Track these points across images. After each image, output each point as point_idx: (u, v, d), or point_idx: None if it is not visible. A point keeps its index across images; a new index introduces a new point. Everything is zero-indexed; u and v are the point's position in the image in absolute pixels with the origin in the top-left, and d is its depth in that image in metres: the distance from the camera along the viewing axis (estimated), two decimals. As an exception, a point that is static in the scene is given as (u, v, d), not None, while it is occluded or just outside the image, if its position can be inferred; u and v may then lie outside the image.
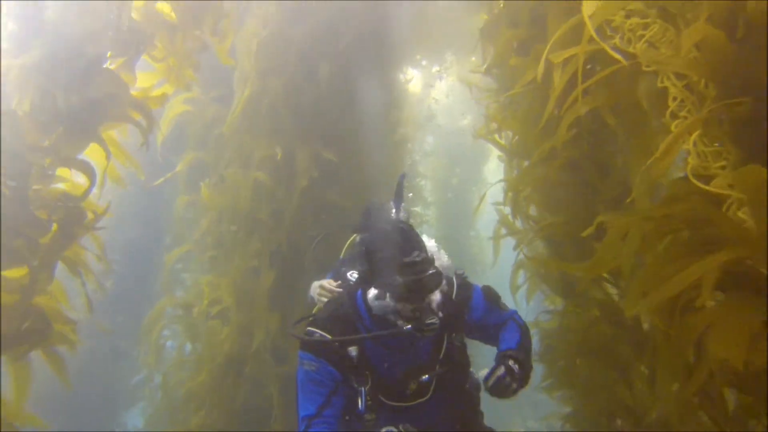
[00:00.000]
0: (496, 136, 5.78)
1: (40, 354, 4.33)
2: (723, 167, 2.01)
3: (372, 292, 2.49)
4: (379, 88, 7.62)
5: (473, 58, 9.36)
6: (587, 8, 2.75)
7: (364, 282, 2.57)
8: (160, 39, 4.68)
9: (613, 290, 3.80)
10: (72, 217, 3.98)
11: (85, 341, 5.06)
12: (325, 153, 6.70)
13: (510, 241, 5.57)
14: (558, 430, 5.06)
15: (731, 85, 2.03)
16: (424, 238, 2.67)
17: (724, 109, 2.04)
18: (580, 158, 4.11)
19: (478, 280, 2.92)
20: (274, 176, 6.56)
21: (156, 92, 4.99)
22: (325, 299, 3.05)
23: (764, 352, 1.84)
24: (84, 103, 3.77)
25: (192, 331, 7.04)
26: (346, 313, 2.64)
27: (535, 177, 4.60)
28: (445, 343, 2.70)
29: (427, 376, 2.63)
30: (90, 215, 4.29)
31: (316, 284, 3.21)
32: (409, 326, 2.39)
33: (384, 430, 2.53)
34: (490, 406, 2.99)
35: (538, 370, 5.14)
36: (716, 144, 2.07)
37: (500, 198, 5.64)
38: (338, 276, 3.17)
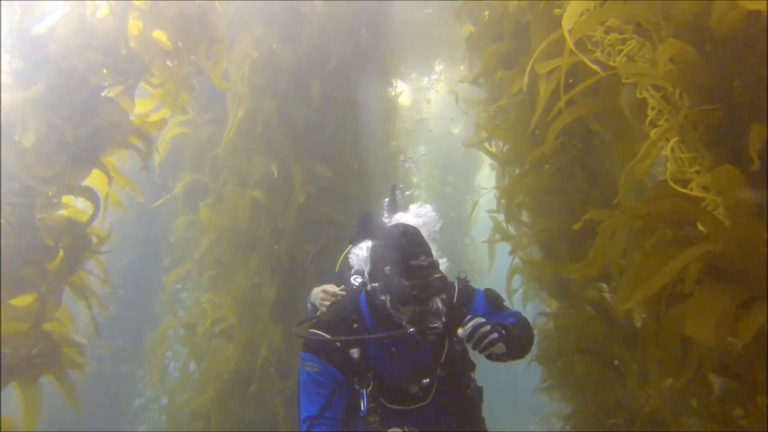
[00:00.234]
0: (487, 144, 5.93)
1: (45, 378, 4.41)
2: (698, 172, 2.17)
3: (376, 295, 2.51)
4: (370, 102, 7.80)
5: (462, 68, 9.53)
6: (567, 22, 2.90)
7: (370, 284, 2.58)
8: (157, 66, 4.81)
9: (605, 290, 3.93)
10: (78, 242, 4.08)
11: (88, 365, 5.13)
12: (321, 169, 6.83)
13: (506, 248, 5.70)
14: (558, 430, 5.14)
15: (702, 95, 2.19)
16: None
17: (698, 116, 2.20)
18: (570, 164, 4.27)
19: (476, 286, 2.91)
20: (272, 194, 6.68)
21: (154, 117, 5.12)
22: (328, 303, 3.00)
23: (741, 333, 1.98)
24: (88, 132, 3.88)
25: (196, 351, 7.10)
26: (348, 316, 2.65)
27: (527, 184, 4.74)
28: (446, 347, 2.71)
29: (428, 379, 2.65)
30: (95, 240, 4.39)
31: (317, 290, 3.17)
32: (413, 329, 2.40)
33: (390, 431, 2.54)
34: (491, 411, 3.03)
35: (537, 371, 5.27)
36: (692, 152, 2.22)
37: (494, 205, 5.77)
38: (341, 281, 3.15)
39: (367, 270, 2.62)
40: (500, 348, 2.37)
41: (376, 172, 7.53)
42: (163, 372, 7.96)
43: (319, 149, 7.05)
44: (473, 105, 6.62)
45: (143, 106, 5.11)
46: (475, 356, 2.87)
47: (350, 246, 3.46)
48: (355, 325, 2.61)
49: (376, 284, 2.53)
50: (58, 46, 3.72)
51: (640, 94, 2.46)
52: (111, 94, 4.43)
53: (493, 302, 2.80)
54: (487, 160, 8.60)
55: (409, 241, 2.47)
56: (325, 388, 2.52)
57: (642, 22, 2.54)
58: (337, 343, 2.54)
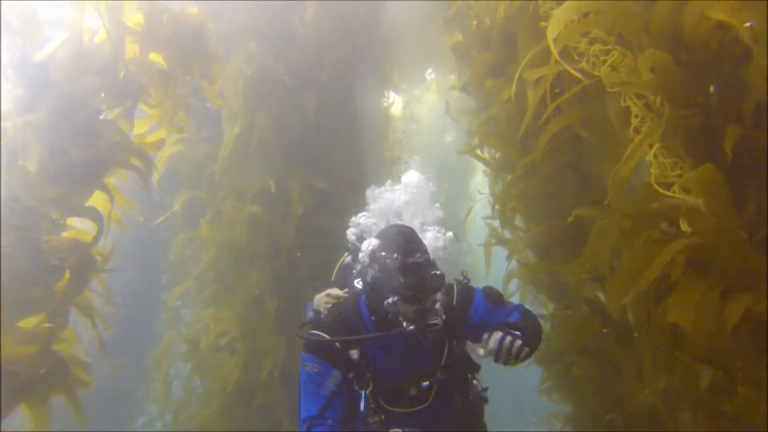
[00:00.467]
0: (479, 151, 6.04)
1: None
2: (679, 175, 2.30)
3: (376, 295, 2.52)
4: (364, 113, 7.90)
5: (452, 77, 9.66)
6: (552, 31, 3.02)
7: (369, 285, 2.59)
8: (154, 87, 4.91)
9: (599, 290, 4.03)
10: (84, 262, 4.16)
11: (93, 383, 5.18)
12: (317, 182, 6.93)
13: (502, 253, 5.78)
14: (559, 430, 5.20)
15: (681, 101, 2.31)
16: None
17: (678, 122, 2.32)
18: (561, 169, 4.38)
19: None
20: (270, 208, 6.77)
21: (152, 137, 5.22)
22: (330, 305, 3.02)
23: (718, 319, 2.11)
24: (91, 154, 3.97)
25: (201, 366, 7.14)
26: (349, 317, 2.67)
27: (519, 190, 4.85)
28: (446, 350, 2.72)
29: (427, 382, 2.65)
30: (99, 259, 4.48)
31: (320, 295, 3.17)
32: (412, 327, 2.40)
33: (392, 431, 2.57)
34: (492, 411, 3.00)
35: (537, 372, 5.35)
36: (674, 157, 2.35)
37: (489, 210, 5.87)
38: (345, 286, 3.17)
39: (366, 271, 2.63)
40: (526, 352, 2.40)
41: (372, 181, 7.61)
42: (167, 388, 7.98)
43: (315, 161, 7.15)
44: (464, 113, 6.75)
45: (140, 126, 5.21)
46: (478, 358, 2.91)
47: (346, 254, 3.52)
48: (356, 327, 2.63)
49: (375, 285, 2.54)
50: (58, 72, 3.82)
51: (624, 102, 2.59)
52: (110, 116, 4.54)
53: (492, 300, 2.79)
54: (480, 167, 8.71)
55: (405, 239, 2.50)
56: (325, 388, 2.55)
57: (623, 32, 2.67)
58: (337, 344, 2.56)
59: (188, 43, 5.11)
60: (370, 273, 2.56)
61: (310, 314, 3.22)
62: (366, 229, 2.95)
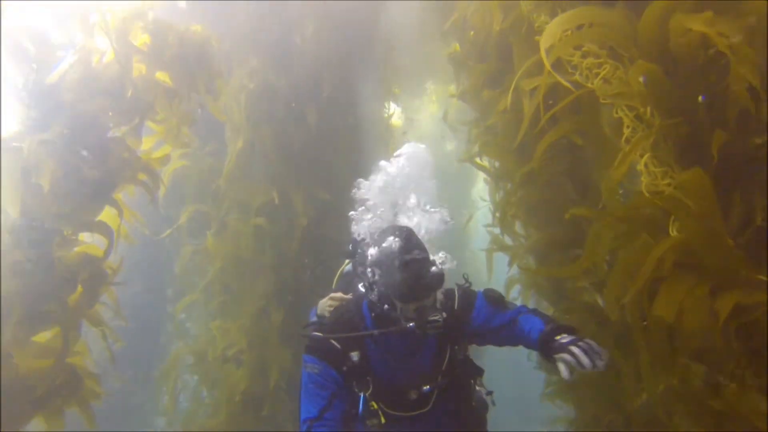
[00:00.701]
0: (478, 159, 6.14)
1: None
2: (669, 185, 2.40)
3: (376, 296, 2.52)
4: (364, 124, 8.02)
5: (451, 86, 9.77)
6: (545, 43, 3.13)
7: (369, 285, 2.58)
8: (160, 104, 5.04)
9: (598, 295, 4.12)
10: (95, 276, 4.27)
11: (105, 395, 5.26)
12: (320, 192, 7.04)
13: (503, 260, 5.87)
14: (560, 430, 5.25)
15: (669, 111, 2.42)
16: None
17: (667, 131, 2.43)
18: (559, 177, 4.48)
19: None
20: (274, 219, 6.88)
21: (158, 153, 5.34)
22: (333, 308, 3.04)
23: (710, 314, 2.21)
24: (102, 171, 4.10)
25: (207, 378, 7.21)
26: (351, 318, 2.68)
27: (519, 198, 4.95)
28: (447, 354, 2.72)
29: (428, 386, 2.65)
30: (109, 272, 4.59)
31: (323, 300, 3.20)
32: (412, 324, 2.40)
33: None
34: (494, 411, 2.97)
35: (539, 378, 5.43)
36: (664, 166, 2.46)
37: (490, 218, 5.98)
38: (349, 290, 3.18)
39: (367, 273, 2.63)
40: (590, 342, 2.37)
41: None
42: (175, 400, 8.03)
43: (318, 173, 7.27)
44: (463, 123, 6.86)
45: (146, 142, 5.34)
46: (478, 360, 2.94)
47: (347, 262, 3.58)
48: (357, 328, 2.64)
49: (375, 284, 2.54)
50: (69, 93, 3.95)
51: (616, 113, 2.70)
52: (119, 134, 4.67)
53: (494, 302, 2.80)
54: (481, 175, 8.80)
55: (403, 237, 2.51)
56: (325, 389, 2.55)
57: (614, 46, 2.78)
58: (338, 345, 2.57)
59: (193, 60, 5.25)
60: (370, 273, 2.57)
61: (314, 319, 3.23)
62: (366, 222, 3.00)
